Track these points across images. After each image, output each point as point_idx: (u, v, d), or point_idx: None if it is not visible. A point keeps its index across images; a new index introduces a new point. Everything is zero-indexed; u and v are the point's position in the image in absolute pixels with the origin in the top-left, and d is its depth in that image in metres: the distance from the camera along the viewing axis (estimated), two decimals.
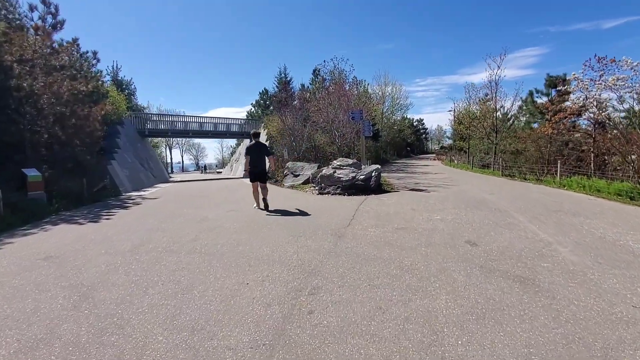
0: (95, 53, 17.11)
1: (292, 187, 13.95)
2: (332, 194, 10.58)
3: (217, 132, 27.40)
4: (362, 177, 10.56)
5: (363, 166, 11.14)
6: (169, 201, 10.64)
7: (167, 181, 26.51)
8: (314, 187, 12.23)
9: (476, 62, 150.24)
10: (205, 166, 54.48)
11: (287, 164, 15.68)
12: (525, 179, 14.48)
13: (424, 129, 71.24)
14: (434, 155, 50.00)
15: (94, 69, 20.09)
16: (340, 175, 10.64)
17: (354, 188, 10.53)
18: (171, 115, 28.39)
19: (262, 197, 8.07)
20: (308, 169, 14.84)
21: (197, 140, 77.52)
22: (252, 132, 8.85)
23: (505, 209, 7.44)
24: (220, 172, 44.60)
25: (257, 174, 8.09)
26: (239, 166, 34.56)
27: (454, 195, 9.83)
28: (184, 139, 72.50)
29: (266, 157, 8.38)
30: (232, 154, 46.67)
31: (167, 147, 70.10)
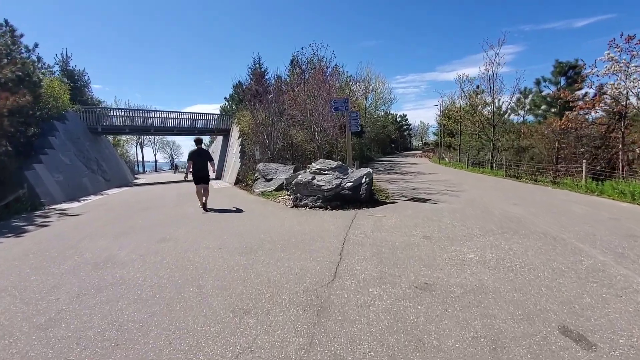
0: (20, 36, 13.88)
1: (262, 194, 11.40)
2: (311, 207, 8.10)
3: (183, 128, 24.35)
4: (349, 184, 8.13)
5: (350, 170, 8.76)
6: (90, 221, 7.88)
7: (126, 184, 23.34)
8: (289, 195, 9.74)
9: (453, 59, 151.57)
10: (176, 165, 50.65)
11: (258, 166, 13.09)
12: (537, 181, 12.44)
13: (407, 125, 69.60)
14: (420, 152, 48.28)
15: (32, 55, 16.91)
16: (320, 183, 8.17)
17: (339, 199, 8.08)
18: (131, 110, 25.04)
19: (205, 199, 8.68)
20: (282, 172, 12.29)
21: (170, 138, 73.39)
22: (194, 139, 9.37)
23: (558, 235, 5.16)
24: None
25: (200, 177, 8.64)
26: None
27: (469, 207, 7.54)
28: (157, 137, 68.41)
29: (208, 163, 8.87)
30: None
31: (139, 146, 65.80)
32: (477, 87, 23.16)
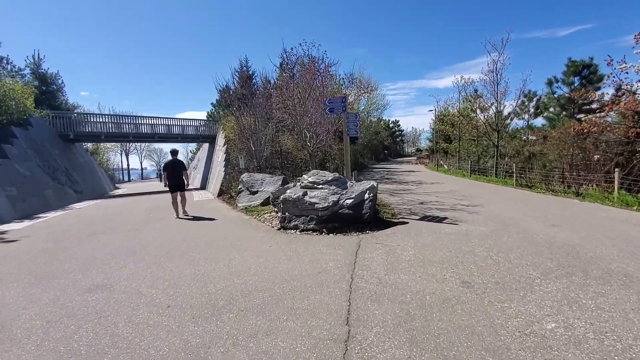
0: None
1: (246, 209, 9.80)
2: (302, 230, 6.54)
3: (164, 135, 22.57)
4: (349, 201, 6.60)
5: (349, 183, 7.25)
6: (19, 253, 6.17)
7: (102, 196, 21.41)
8: (276, 212, 8.18)
9: (442, 67, 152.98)
10: (161, 174, 48.48)
11: (242, 177, 11.48)
12: (555, 192, 11.09)
13: (399, 131, 68.50)
14: (415, 159, 47.10)
15: None
16: (314, 200, 6.62)
17: (336, 220, 6.54)
18: (107, 115, 23.20)
19: (181, 207, 9.12)
20: (269, 184, 10.71)
21: (157, 145, 71.16)
22: (170, 150, 9.63)
23: None
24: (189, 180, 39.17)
25: (175, 185, 9.03)
26: (197, 175, 29.80)
27: (501, 230, 6.07)
28: (143, 144, 66.19)
29: (182, 172, 9.21)
30: (191, 160, 41.44)
31: (124, 153, 63.46)
32: (476, 91, 22.04)
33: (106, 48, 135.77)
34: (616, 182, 8.76)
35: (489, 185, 14.06)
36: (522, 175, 12.99)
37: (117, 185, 37.08)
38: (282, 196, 7.04)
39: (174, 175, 9.02)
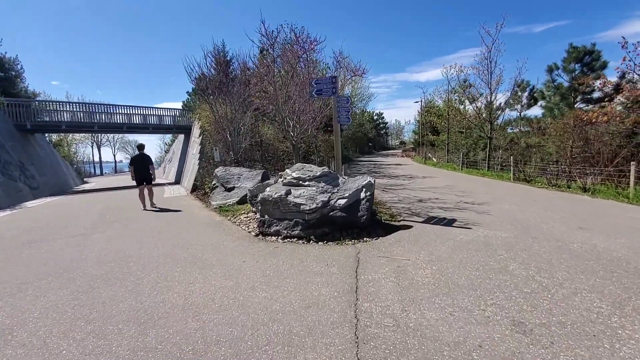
0: None
1: (220, 208, 8.52)
2: (285, 238, 5.34)
3: (134, 125, 20.64)
4: (342, 201, 5.43)
5: (341, 179, 6.08)
6: None
7: (64, 192, 19.45)
8: (254, 212, 6.95)
9: (422, 61, 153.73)
10: None
11: (216, 171, 10.13)
12: (558, 186, 10.29)
13: (383, 123, 67.77)
14: (401, 151, 46.43)
15: None
16: (299, 200, 5.41)
17: (327, 224, 5.36)
18: (70, 103, 20.96)
19: (148, 200, 9.34)
20: (248, 179, 9.42)
21: (132, 137, 67.86)
22: (137, 144, 10.22)
23: None
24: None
25: (142, 179, 9.24)
26: (172, 168, 27.97)
27: (525, 236, 5.05)
28: (117, 136, 62.88)
29: (149, 167, 9.40)
30: (166, 152, 39.26)
31: (95, 145, 60.13)
32: (465, 80, 21.23)
33: (79, 34, 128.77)
34: (632, 177, 7.96)
35: (484, 180, 13.22)
36: (520, 169, 12.19)
37: (86, 179, 34.67)
38: (260, 195, 5.80)
39: (141, 169, 9.24)
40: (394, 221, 6.17)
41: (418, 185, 11.80)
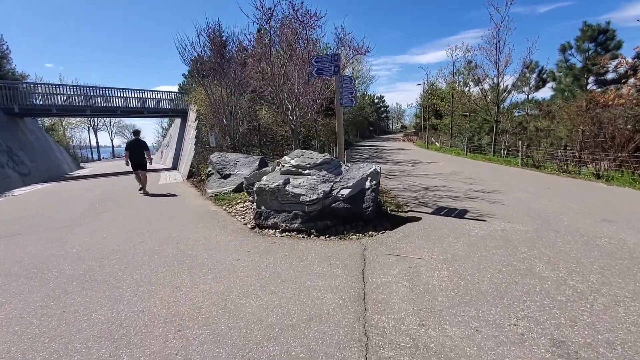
0: None
1: (215, 197, 8.09)
2: (284, 231, 4.91)
3: (129, 109, 19.97)
4: (345, 191, 4.98)
5: (344, 167, 5.60)
6: None
7: (57, 178, 18.98)
8: (251, 202, 6.53)
9: (424, 42, 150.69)
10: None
11: (212, 157, 9.64)
12: (569, 173, 9.83)
13: (384, 107, 66.61)
14: (402, 136, 45.71)
15: None
16: (299, 191, 4.96)
17: (329, 216, 4.93)
18: (61, 86, 20.16)
19: (143, 185, 9.31)
20: (244, 166, 8.95)
21: (129, 121, 66.88)
22: (132, 130, 11.23)
23: None
24: (152, 159, 36.42)
25: (137, 165, 9.25)
26: (169, 153, 27.40)
27: (551, 232, 4.62)
28: (114, 120, 61.83)
29: (144, 152, 9.43)
30: (164, 137, 38.56)
31: (92, 129, 59.27)
32: (470, 62, 20.45)
33: (74, 17, 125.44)
34: None
35: (491, 165, 12.75)
36: (529, 154, 11.71)
37: (82, 165, 34.13)
38: (257, 184, 5.34)
39: (136, 155, 9.24)
40: (401, 212, 5.73)
41: (422, 171, 11.33)
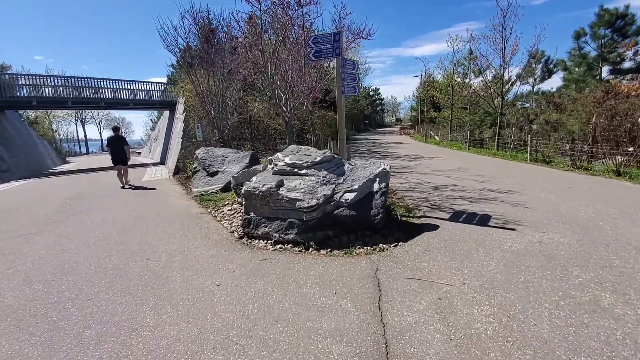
0: None
1: (201, 196, 7.26)
2: (276, 243, 4.12)
3: (112, 100, 18.81)
4: (349, 195, 4.19)
5: (347, 165, 4.81)
6: None
7: (38, 174, 17.89)
8: (240, 204, 5.72)
9: (417, 35, 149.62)
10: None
11: (197, 152, 8.77)
12: (585, 169, 9.15)
13: (380, 99, 65.65)
14: (399, 129, 44.92)
15: None
16: (295, 195, 4.15)
17: (331, 226, 4.14)
18: (41, 77, 18.86)
19: (124, 179, 9.44)
20: (233, 163, 8.11)
21: (118, 114, 65.15)
22: (112, 127, 10.54)
23: None
24: (140, 153, 35.30)
25: (117, 160, 9.35)
26: (157, 147, 26.34)
27: (599, 246, 3.89)
28: (102, 113, 60.02)
29: (124, 147, 9.43)
30: (152, 130, 37.34)
31: (80, 122, 57.59)
32: (471, 52, 19.66)
33: (67, 11, 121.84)
34: None
35: (497, 161, 12.04)
36: (538, 149, 11.01)
37: (68, 159, 32.91)
38: (245, 186, 4.52)
39: (118, 150, 9.32)
40: (413, 217, 4.97)
41: (426, 167, 10.57)
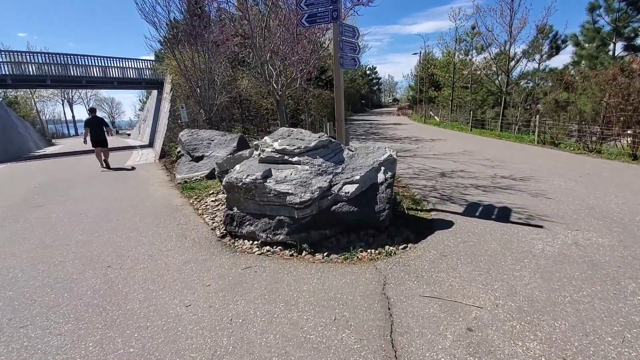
0: None
1: (185, 183, 6.59)
2: (264, 245, 3.48)
3: (94, 78, 17.62)
4: (350, 188, 3.53)
5: (346, 152, 4.13)
6: None
7: (17, 158, 16.97)
8: (225, 194, 5.03)
9: (415, 12, 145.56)
10: (113, 127, 42.66)
11: (181, 135, 8.01)
12: (599, 152, 8.55)
13: (377, 79, 63.96)
14: (396, 109, 43.90)
15: None
16: (284, 188, 3.48)
17: (327, 224, 3.50)
18: (13, 52, 17.39)
19: (104, 158, 9.34)
20: (220, 146, 7.39)
21: (107, 94, 63.18)
22: (89, 108, 11.70)
23: None
24: (130, 135, 34.12)
25: (97, 141, 9.20)
26: (146, 129, 25.31)
27: (635, 243, 3.29)
28: (90, 93, 57.95)
29: (104, 128, 9.34)
30: (141, 110, 36.04)
31: (67, 102, 55.60)
32: (474, 27, 18.64)
33: None
34: None
35: (503, 143, 11.39)
36: (546, 130, 10.36)
37: (54, 141, 31.72)
38: (228, 177, 3.83)
39: (97, 132, 9.19)
40: (422, 211, 4.34)
41: (429, 150, 9.91)
